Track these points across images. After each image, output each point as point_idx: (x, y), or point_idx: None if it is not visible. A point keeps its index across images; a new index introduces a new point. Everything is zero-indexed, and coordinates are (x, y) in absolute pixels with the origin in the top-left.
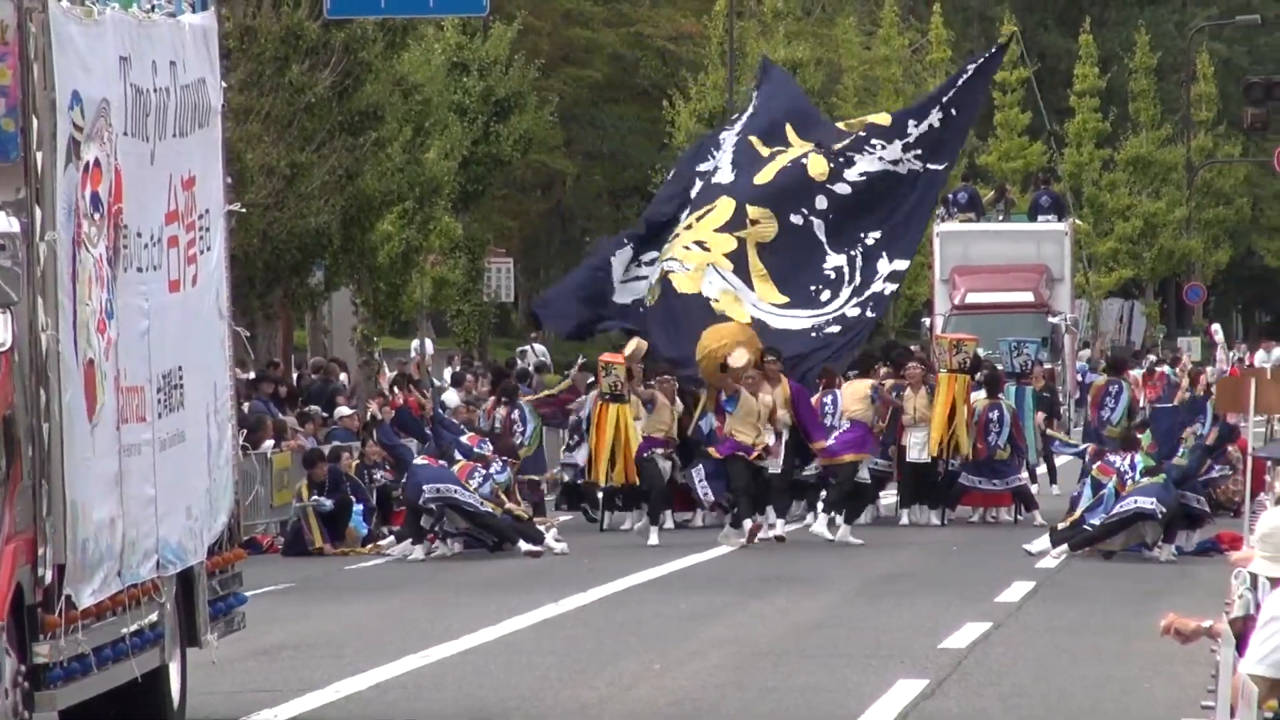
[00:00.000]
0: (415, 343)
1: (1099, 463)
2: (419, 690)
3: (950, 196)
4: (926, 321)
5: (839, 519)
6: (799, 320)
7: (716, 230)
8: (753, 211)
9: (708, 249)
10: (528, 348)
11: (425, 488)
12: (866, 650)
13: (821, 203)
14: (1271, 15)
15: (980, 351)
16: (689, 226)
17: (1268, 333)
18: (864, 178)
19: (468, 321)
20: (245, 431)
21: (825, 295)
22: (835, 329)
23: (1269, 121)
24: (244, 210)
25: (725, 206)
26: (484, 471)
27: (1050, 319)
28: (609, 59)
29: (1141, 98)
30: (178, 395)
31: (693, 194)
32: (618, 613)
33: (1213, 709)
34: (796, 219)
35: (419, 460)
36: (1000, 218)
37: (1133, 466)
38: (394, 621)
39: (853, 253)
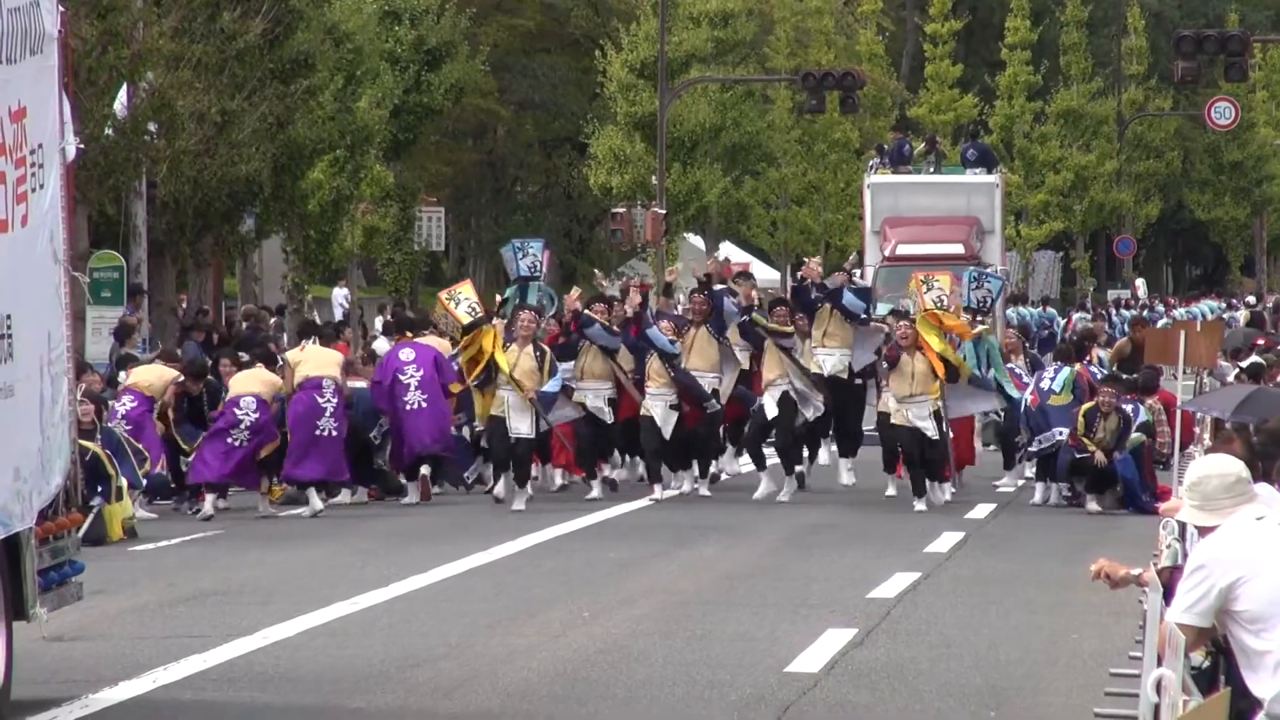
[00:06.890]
0: (340, 291)
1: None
2: (347, 637)
3: (884, 148)
4: (857, 272)
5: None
6: None
7: None
8: None
9: None
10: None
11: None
12: (795, 600)
13: None
14: None
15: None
16: None
17: (1196, 286)
18: None
19: (399, 270)
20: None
21: None
22: None
23: (1199, 75)
24: (83, 148)
25: None
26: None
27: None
28: (541, 8)
29: (1073, 51)
30: (6, 345)
31: None
32: (547, 561)
33: (1140, 658)
34: None
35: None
36: (930, 170)
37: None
38: (322, 569)
39: None
